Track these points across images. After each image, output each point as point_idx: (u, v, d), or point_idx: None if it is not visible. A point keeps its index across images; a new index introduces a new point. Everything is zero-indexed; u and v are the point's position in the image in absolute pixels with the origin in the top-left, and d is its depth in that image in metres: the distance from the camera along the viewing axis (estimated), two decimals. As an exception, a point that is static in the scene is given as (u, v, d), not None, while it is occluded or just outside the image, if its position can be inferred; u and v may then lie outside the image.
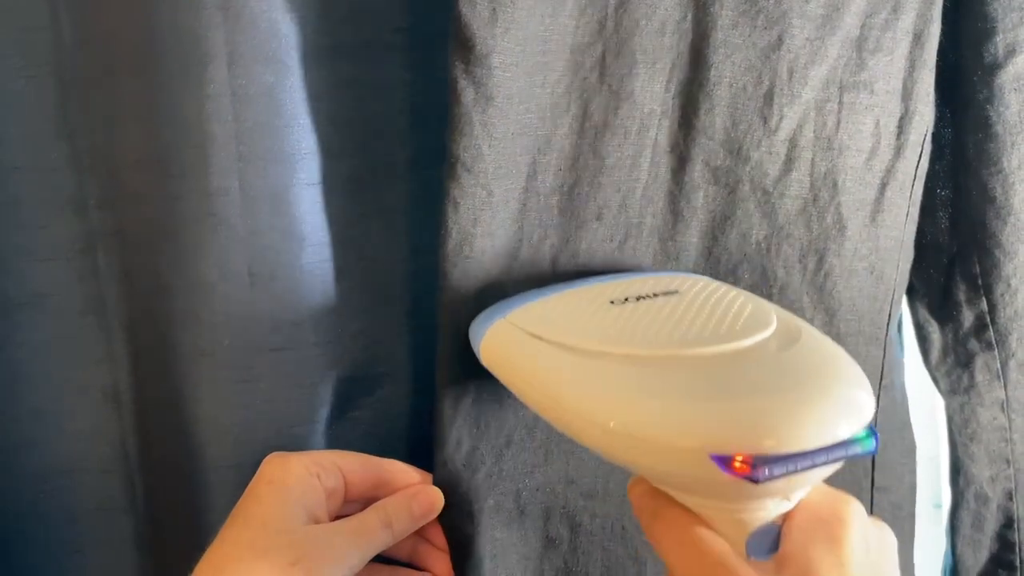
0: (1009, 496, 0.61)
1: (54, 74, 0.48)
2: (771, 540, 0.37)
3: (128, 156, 0.47)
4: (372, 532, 0.46)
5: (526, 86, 0.47)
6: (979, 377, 0.60)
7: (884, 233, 0.55)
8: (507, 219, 0.49)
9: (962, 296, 0.59)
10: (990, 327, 0.59)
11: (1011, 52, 0.55)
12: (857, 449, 0.35)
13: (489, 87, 0.45)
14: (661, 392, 0.37)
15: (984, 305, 0.58)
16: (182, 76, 0.45)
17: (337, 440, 0.53)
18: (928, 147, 0.56)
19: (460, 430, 0.50)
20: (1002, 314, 0.58)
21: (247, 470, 0.47)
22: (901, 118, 0.54)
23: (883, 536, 0.39)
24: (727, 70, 0.50)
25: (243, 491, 0.46)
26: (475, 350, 0.47)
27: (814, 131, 0.52)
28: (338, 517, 0.47)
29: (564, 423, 0.41)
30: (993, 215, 0.57)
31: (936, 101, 0.56)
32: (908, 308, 0.63)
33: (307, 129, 0.49)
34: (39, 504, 0.53)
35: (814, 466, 0.34)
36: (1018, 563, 0.62)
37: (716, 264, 0.53)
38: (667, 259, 0.52)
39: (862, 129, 0.53)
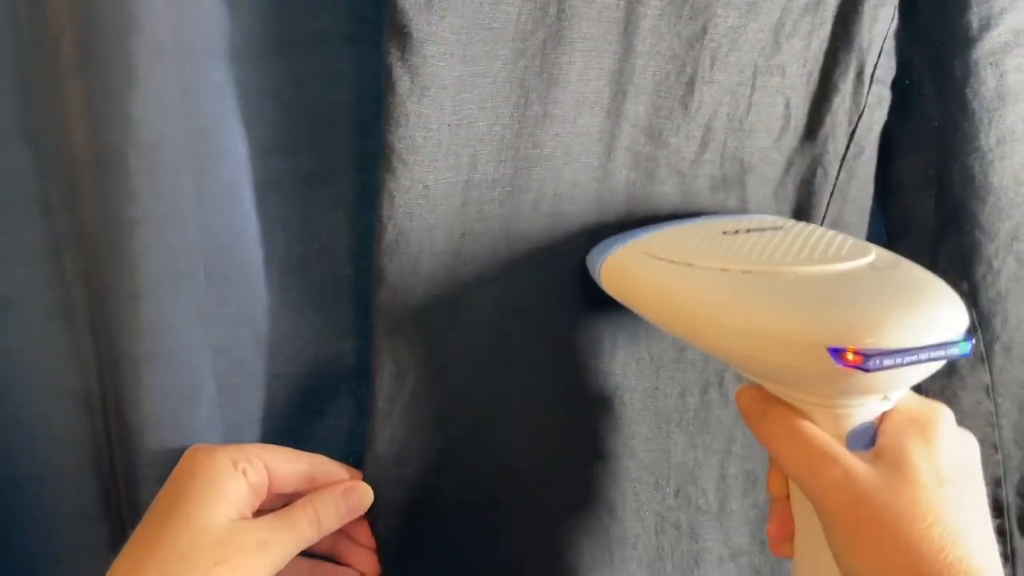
0: (998, 483, 0.59)
1: (16, 74, 0.48)
2: (869, 436, 0.41)
3: (80, 157, 0.46)
4: (299, 528, 0.45)
5: (466, 75, 0.46)
6: (961, 360, 0.58)
7: (790, 210, 0.56)
8: (448, 213, 0.48)
9: (945, 278, 0.57)
10: (973, 309, 0.57)
11: (986, 26, 0.53)
12: (955, 351, 0.39)
13: (424, 76, 0.45)
14: (782, 297, 0.42)
15: (966, 286, 0.57)
16: (127, 73, 0.44)
17: (301, 438, 0.53)
18: (869, 131, 0.56)
19: (395, 427, 0.50)
20: (984, 296, 0.57)
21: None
22: (816, 100, 0.54)
23: (969, 439, 0.43)
24: (652, 59, 0.50)
25: None
26: (594, 276, 0.51)
27: (727, 114, 0.53)
28: (262, 512, 0.46)
29: (691, 329, 0.45)
30: (972, 195, 0.55)
31: (924, 80, 0.56)
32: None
33: (263, 125, 0.49)
34: (13, 512, 0.52)
35: (918, 362, 0.38)
36: (1009, 552, 0.60)
37: None
38: (591, 243, 0.53)
39: (772, 111, 0.54)
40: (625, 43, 0.49)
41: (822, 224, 0.57)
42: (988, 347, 0.58)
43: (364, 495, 0.49)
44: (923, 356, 0.38)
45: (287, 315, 0.51)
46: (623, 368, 0.55)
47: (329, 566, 0.51)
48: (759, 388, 0.44)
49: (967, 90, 0.54)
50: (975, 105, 0.54)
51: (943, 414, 0.42)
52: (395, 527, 0.51)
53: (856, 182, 0.57)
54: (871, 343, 0.38)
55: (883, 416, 0.42)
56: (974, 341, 0.39)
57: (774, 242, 0.46)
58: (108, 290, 0.47)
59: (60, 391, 0.51)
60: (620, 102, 0.51)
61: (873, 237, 0.62)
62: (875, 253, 0.45)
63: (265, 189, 0.49)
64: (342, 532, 0.50)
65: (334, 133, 0.50)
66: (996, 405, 0.59)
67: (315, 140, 0.50)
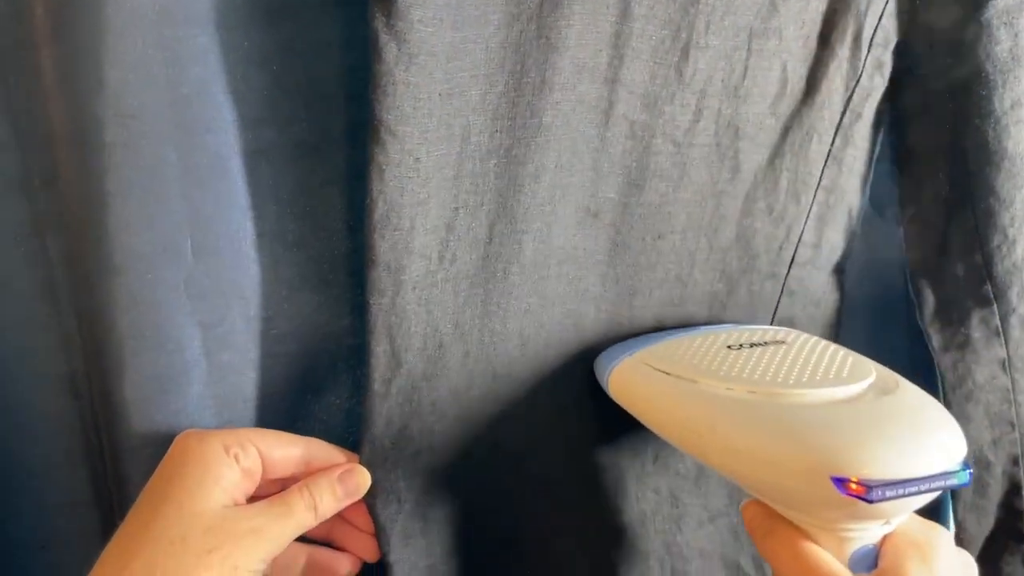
0: (1015, 461, 0.58)
1: None
2: (871, 559, 0.43)
3: (59, 130, 0.45)
4: (295, 514, 0.45)
5: (457, 42, 0.45)
6: (975, 334, 0.56)
7: (787, 176, 0.55)
8: (440, 187, 0.47)
9: (958, 249, 0.56)
10: (987, 281, 0.55)
11: (999, -16, 0.52)
12: (954, 480, 0.41)
13: (412, 43, 0.43)
14: (786, 423, 0.43)
15: (980, 258, 0.55)
16: (104, 40, 0.42)
17: (298, 418, 0.52)
18: (867, 98, 0.55)
19: (392, 408, 0.49)
20: (999, 267, 0.55)
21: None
22: (814, 65, 0.53)
23: (967, 559, 0.45)
24: (650, 24, 0.49)
25: None
26: (602, 383, 0.52)
27: (722, 80, 0.52)
28: (256, 498, 0.45)
29: (697, 448, 0.47)
30: (986, 161, 0.54)
31: (935, 42, 0.54)
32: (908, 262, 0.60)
33: (250, 94, 0.47)
34: (2, 501, 0.51)
35: (918, 492, 0.40)
36: (1028, 530, 0.59)
37: (631, 217, 0.53)
38: (588, 215, 0.52)
39: (768, 75, 0.52)
40: (622, 5, 0.48)
41: (816, 192, 0.56)
42: (1004, 320, 0.56)
43: (362, 479, 0.48)
44: (923, 487, 0.40)
45: (281, 292, 0.50)
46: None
47: (326, 551, 0.51)
48: (764, 505, 0.45)
49: (980, 51, 0.53)
50: (988, 67, 0.53)
51: (942, 537, 0.44)
52: (394, 511, 0.50)
53: (852, 149, 0.56)
54: (874, 474, 0.39)
55: (884, 538, 0.43)
56: (972, 470, 0.42)
57: (777, 359, 0.48)
58: (90, 266, 0.45)
59: (46, 374, 0.50)
60: (617, 67, 0.49)
61: (887, 208, 0.60)
62: (875, 372, 0.47)
63: (254, 161, 0.48)
64: (340, 517, 0.49)
65: (326, 103, 0.48)
66: (1013, 381, 0.57)
67: (306, 110, 0.48)
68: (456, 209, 0.48)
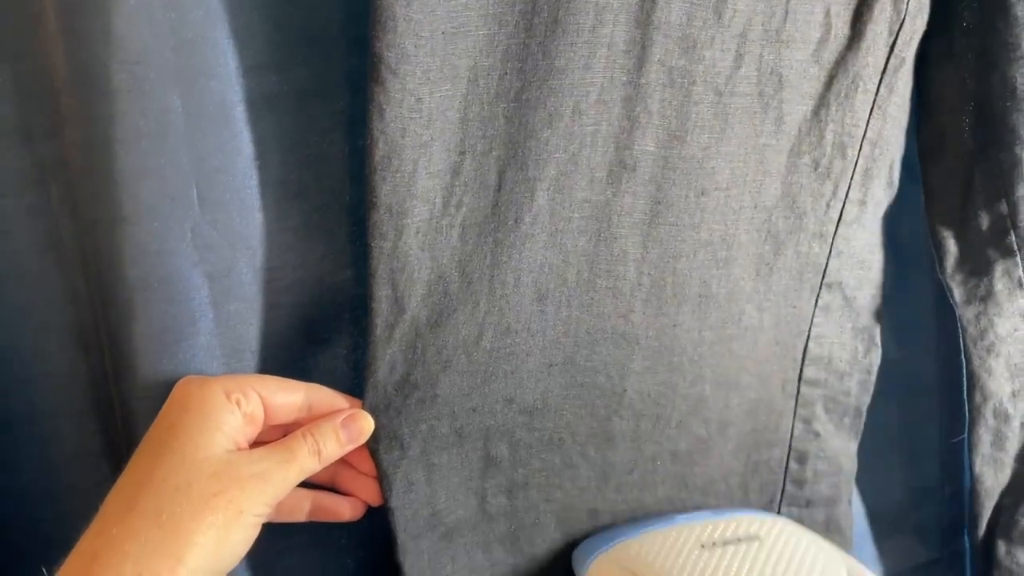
0: (1036, 415, 0.57)
1: None
2: None
3: (61, 77, 0.44)
4: (298, 459, 0.45)
5: None
6: (998, 285, 0.55)
7: (832, 128, 0.53)
8: (445, 129, 0.46)
9: (981, 198, 0.55)
10: (1011, 231, 0.54)
11: (1030, -81, 0.50)
12: None
13: None
14: None
15: (1004, 207, 0.54)
16: None
17: (304, 368, 0.51)
18: (910, 41, 0.53)
19: (395, 354, 0.49)
20: (1024, 217, 0.54)
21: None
22: (858, 7, 0.51)
23: None
24: None
25: None
26: None
27: (762, 23, 0.50)
28: (259, 444, 0.45)
29: None
30: (1013, 107, 0.52)
31: None
32: (925, 213, 0.59)
33: (252, 39, 0.46)
34: (11, 453, 0.51)
35: None
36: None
37: (673, 172, 0.51)
38: (623, 169, 0.50)
39: (810, 19, 0.50)
40: None
41: (862, 145, 0.54)
42: (1029, 271, 0.55)
43: (365, 424, 0.48)
44: None
45: (286, 241, 0.50)
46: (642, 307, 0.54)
47: (330, 495, 0.51)
48: None
49: (1011, -8, 0.51)
50: (1018, 10, 0.51)
51: None
52: (397, 457, 0.50)
53: (896, 98, 0.54)
54: None
55: None
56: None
57: (748, 563, 0.50)
58: (96, 216, 0.45)
59: (52, 326, 0.49)
60: (650, 9, 0.47)
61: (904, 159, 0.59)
62: (846, 571, 0.49)
63: (258, 108, 0.47)
64: (343, 461, 0.50)
65: (329, 47, 0.48)
66: (1035, 333, 0.56)
67: (309, 55, 0.47)
68: (462, 153, 0.47)
